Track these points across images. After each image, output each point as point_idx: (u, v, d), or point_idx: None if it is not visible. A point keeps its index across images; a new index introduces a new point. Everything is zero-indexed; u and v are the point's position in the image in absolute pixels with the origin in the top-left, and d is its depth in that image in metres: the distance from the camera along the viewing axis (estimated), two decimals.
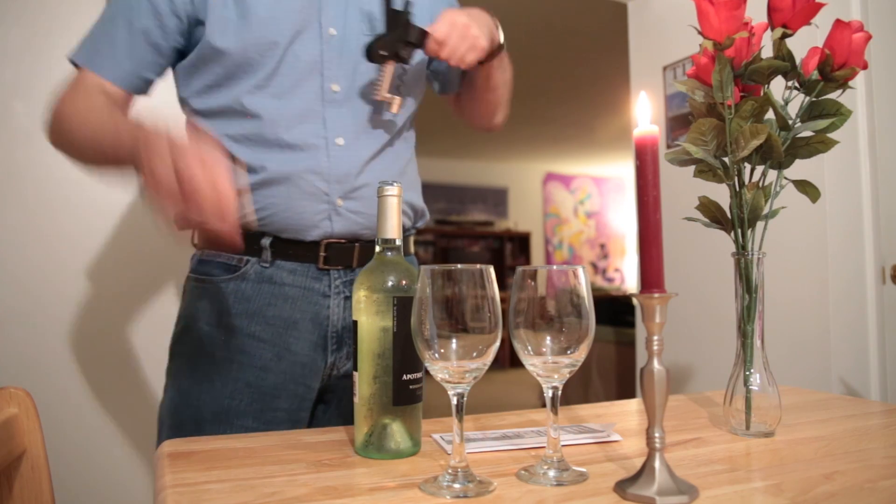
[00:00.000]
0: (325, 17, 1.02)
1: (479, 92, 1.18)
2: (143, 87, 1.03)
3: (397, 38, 0.98)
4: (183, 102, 1.05)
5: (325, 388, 1.06)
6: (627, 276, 9.09)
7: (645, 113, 0.62)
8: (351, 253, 1.03)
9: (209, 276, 1.02)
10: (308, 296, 1.01)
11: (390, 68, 1.00)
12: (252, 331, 1.00)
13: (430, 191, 7.68)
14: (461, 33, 0.99)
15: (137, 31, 0.98)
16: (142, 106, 1.03)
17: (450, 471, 0.61)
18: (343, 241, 1.02)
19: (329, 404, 1.08)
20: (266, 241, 1.00)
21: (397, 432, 0.72)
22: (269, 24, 0.98)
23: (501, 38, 1.07)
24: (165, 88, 1.06)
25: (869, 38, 0.80)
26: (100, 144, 0.90)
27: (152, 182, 0.71)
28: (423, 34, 0.99)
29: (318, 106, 1.01)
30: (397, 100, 1.01)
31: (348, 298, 1.03)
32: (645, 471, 0.59)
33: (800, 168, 0.84)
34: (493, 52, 1.06)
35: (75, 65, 1.01)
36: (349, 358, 1.03)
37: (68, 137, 0.97)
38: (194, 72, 1.01)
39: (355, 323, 0.73)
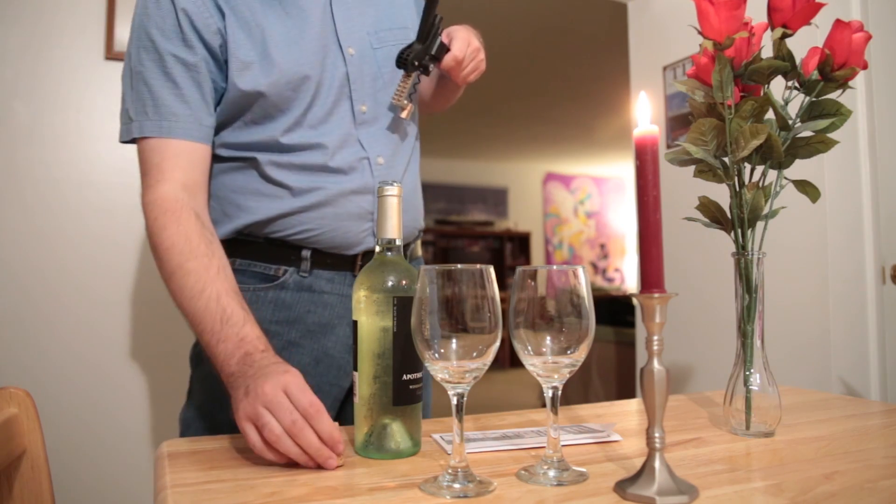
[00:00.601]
0: (342, 36, 1.02)
1: (448, 92, 1.24)
2: (212, 135, 0.98)
3: (427, 50, 1.02)
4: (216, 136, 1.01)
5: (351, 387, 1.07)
6: (627, 276, 9.09)
7: (645, 113, 0.62)
8: None
9: (244, 284, 0.99)
10: (345, 302, 1.04)
11: (414, 77, 1.03)
12: (291, 337, 1.01)
13: (430, 191, 7.73)
14: (473, 56, 1.05)
15: (182, 80, 0.93)
16: None
17: (450, 471, 0.61)
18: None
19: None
20: (307, 253, 1.01)
21: (397, 432, 0.72)
22: (297, 59, 0.97)
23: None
24: None
25: (869, 38, 0.80)
26: (197, 327, 0.84)
27: (250, 425, 0.69)
28: (446, 50, 1.04)
29: (353, 129, 1.02)
30: (409, 107, 1.05)
31: None
32: (645, 471, 0.59)
33: (800, 168, 0.84)
34: None
35: (133, 140, 0.95)
36: None
37: (169, 287, 0.89)
38: (226, 112, 0.98)
39: (355, 323, 0.73)
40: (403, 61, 1.02)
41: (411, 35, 1.07)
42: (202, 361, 1.04)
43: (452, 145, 7.33)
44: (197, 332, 0.85)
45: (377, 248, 0.75)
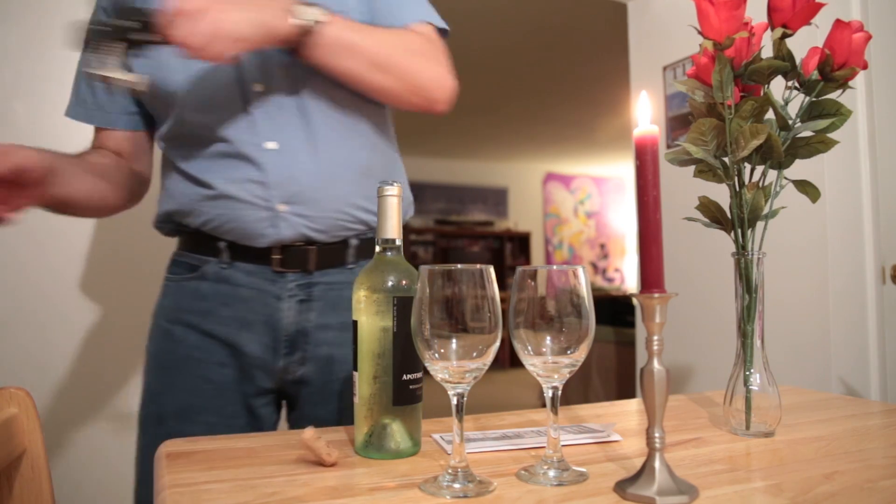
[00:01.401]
0: None
1: (337, 73, 1.00)
2: (138, 121, 1.08)
3: (121, 15, 0.88)
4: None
5: (285, 392, 1.05)
6: (627, 276, 9.09)
7: (645, 113, 0.62)
8: (306, 256, 1.00)
9: (175, 274, 1.06)
10: (261, 297, 1.00)
11: (118, 47, 0.87)
12: (208, 329, 1.01)
13: (430, 191, 7.75)
14: (200, 20, 0.81)
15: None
16: None
17: (450, 471, 0.61)
18: (299, 244, 0.99)
19: (297, 409, 1.06)
20: (223, 244, 1.01)
21: (397, 432, 0.72)
22: None
23: (307, 20, 0.88)
24: None
25: (869, 38, 0.80)
26: None
27: None
28: (146, 14, 0.84)
29: (244, 111, 0.97)
30: (130, 78, 0.87)
31: (303, 302, 1.01)
32: (645, 471, 0.59)
33: (800, 168, 0.84)
34: (293, 39, 0.88)
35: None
36: (302, 363, 1.02)
37: None
38: (147, 105, 1.06)
39: (355, 323, 0.73)
40: (91, 30, 0.87)
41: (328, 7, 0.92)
42: (146, 354, 1.06)
43: (452, 145, 7.33)
44: None
45: (377, 248, 0.75)
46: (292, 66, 0.96)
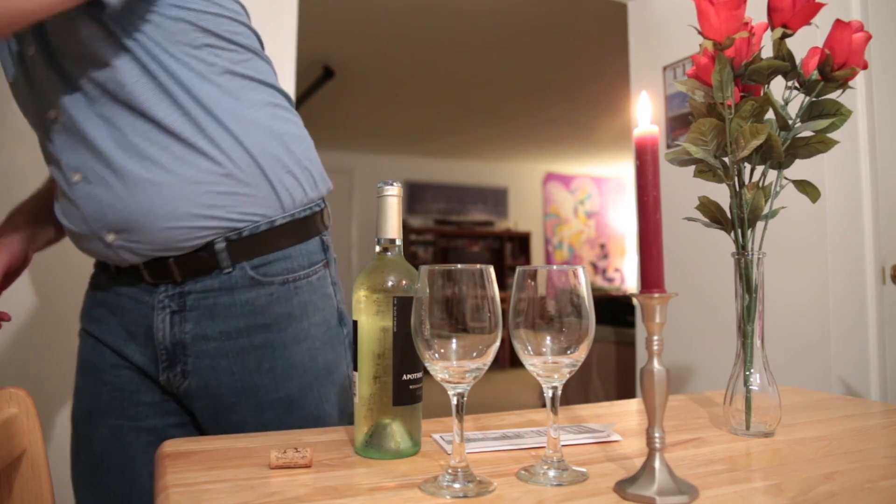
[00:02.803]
0: (23, 32, 0.91)
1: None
2: None
3: None
4: None
5: (182, 404, 1.00)
6: (627, 276, 9.09)
7: (645, 113, 0.62)
8: (167, 268, 0.93)
9: (90, 279, 1.07)
10: (139, 308, 0.96)
11: None
12: (100, 336, 1.01)
13: (430, 191, 7.73)
14: None
15: None
16: None
17: (450, 471, 0.61)
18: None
19: (199, 423, 1.01)
20: None
21: (397, 432, 0.72)
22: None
23: None
24: None
25: (869, 38, 0.80)
26: None
27: None
28: None
29: (46, 139, 0.93)
30: None
31: (176, 313, 0.94)
32: (645, 471, 0.59)
33: (800, 168, 0.84)
34: None
35: None
36: (184, 377, 0.95)
37: None
38: None
39: (355, 323, 0.73)
40: None
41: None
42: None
43: (452, 145, 7.33)
44: None
45: (377, 248, 0.75)
46: (74, 85, 0.88)
